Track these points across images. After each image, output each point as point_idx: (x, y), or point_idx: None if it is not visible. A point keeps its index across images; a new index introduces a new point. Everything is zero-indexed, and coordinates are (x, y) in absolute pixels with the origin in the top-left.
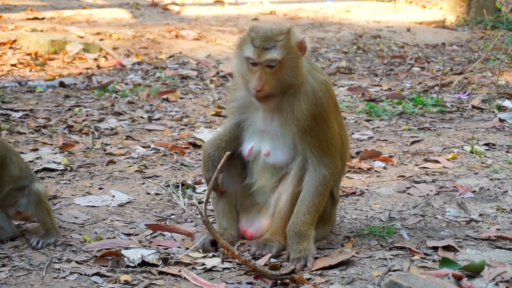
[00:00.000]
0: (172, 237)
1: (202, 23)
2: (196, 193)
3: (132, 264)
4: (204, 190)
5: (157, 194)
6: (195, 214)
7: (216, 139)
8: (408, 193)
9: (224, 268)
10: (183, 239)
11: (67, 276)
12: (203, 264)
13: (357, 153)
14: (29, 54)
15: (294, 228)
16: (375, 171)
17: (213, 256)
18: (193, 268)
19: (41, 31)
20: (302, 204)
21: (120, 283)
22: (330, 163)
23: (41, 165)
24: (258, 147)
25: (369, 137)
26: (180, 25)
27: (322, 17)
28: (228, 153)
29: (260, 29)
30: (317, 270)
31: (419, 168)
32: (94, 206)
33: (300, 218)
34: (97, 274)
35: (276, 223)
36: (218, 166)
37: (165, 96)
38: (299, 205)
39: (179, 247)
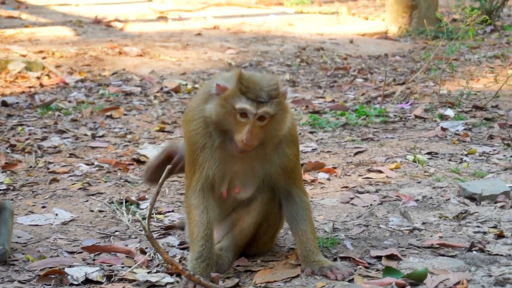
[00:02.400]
0: (115, 254)
1: (146, 39)
2: (140, 209)
3: (75, 282)
4: (148, 207)
5: (100, 211)
6: (139, 230)
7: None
8: (352, 204)
9: (167, 283)
10: (127, 256)
11: None
12: (147, 281)
13: (301, 165)
14: None
15: (312, 248)
16: (319, 182)
17: (157, 271)
18: (137, 284)
19: None
20: (305, 231)
21: None
22: (304, 188)
23: None
24: (230, 186)
25: (313, 149)
26: (124, 41)
27: (265, 30)
28: (169, 166)
29: (250, 80)
30: (262, 282)
31: (363, 178)
32: (37, 225)
33: (311, 241)
34: None
35: (232, 241)
36: (160, 181)
37: (108, 113)
38: (302, 232)
39: (123, 264)
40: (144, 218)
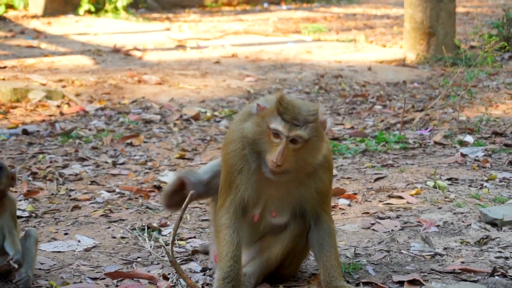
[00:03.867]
0: (138, 280)
1: (165, 67)
2: (162, 235)
3: None
4: (170, 233)
5: (123, 237)
6: (162, 256)
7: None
8: (373, 229)
9: None
10: (149, 282)
11: None
12: None
13: None
14: None
15: (336, 275)
16: (340, 208)
17: None
18: None
19: (3, 79)
20: (329, 257)
21: None
22: (331, 215)
23: None
24: (264, 210)
25: (333, 175)
26: (143, 70)
27: (283, 58)
28: (192, 192)
29: (289, 103)
30: None
31: (383, 204)
32: (60, 252)
33: (335, 267)
34: None
35: (257, 268)
36: (183, 206)
37: (129, 141)
38: (327, 258)
39: None
40: (167, 244)
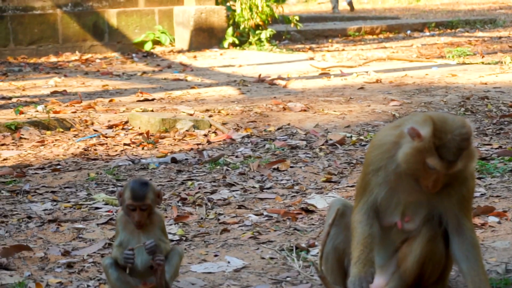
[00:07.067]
0: None
1: (309, 95)
2: (310, 255)
3: None
4: (318, 253)
5: (271, 258)
6: (310, 275)
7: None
8: None
9: None
10: None
11: None
12: None
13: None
14: (140, 134)
15: None
16: (489, 226)
17: None
18: None
19: (152, 111)
20: (477, 271)
21: None
22: (472, 223)
23: None
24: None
25: (482, 194)
26: (287, 98)
27: (428, 82)
28: (339, 207)
29: (442, 130)
30: None
31: None
32: (210, 273)
33: (484, 282)
34: None
35: (399, 281)
36: (330, 220)
37: (275, 166)
38: (475, 272)
39: None
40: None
